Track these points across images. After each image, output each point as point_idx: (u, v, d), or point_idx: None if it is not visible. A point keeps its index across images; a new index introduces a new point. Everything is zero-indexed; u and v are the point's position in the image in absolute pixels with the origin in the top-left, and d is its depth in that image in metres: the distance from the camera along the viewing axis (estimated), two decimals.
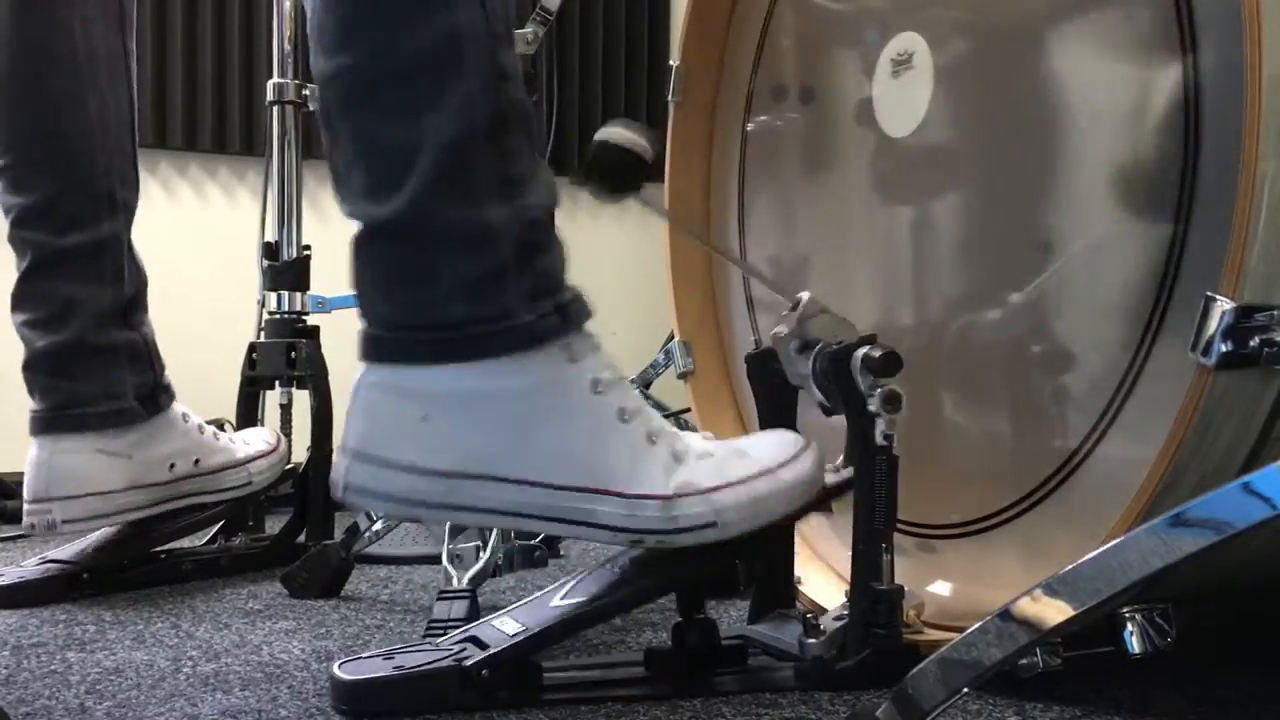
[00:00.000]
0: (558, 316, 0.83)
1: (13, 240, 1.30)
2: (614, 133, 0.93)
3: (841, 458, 0.92)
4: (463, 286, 0.81)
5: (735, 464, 0.87)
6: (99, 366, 1.30)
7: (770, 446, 0.89)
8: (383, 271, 0.83)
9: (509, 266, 0.81)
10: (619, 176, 0.93)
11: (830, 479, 0.91)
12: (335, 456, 0.85)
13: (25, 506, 1.27)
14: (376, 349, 0.83)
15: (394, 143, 0.81)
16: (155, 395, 1.35)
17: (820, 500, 0.90)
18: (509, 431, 0.81)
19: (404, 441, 0.82)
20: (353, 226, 0.84)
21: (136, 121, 1.36)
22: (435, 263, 0.81)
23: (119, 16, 1.32)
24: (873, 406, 0.88)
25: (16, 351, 1.32)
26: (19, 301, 1.30)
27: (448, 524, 1.13)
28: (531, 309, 0.82)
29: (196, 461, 1.39)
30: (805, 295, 0.93)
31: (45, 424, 1.29)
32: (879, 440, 0.88)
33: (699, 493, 0.84)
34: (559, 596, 0.89)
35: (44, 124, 1.29)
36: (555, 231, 0.85)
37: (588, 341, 0.85)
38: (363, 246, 0.84)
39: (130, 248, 1.35)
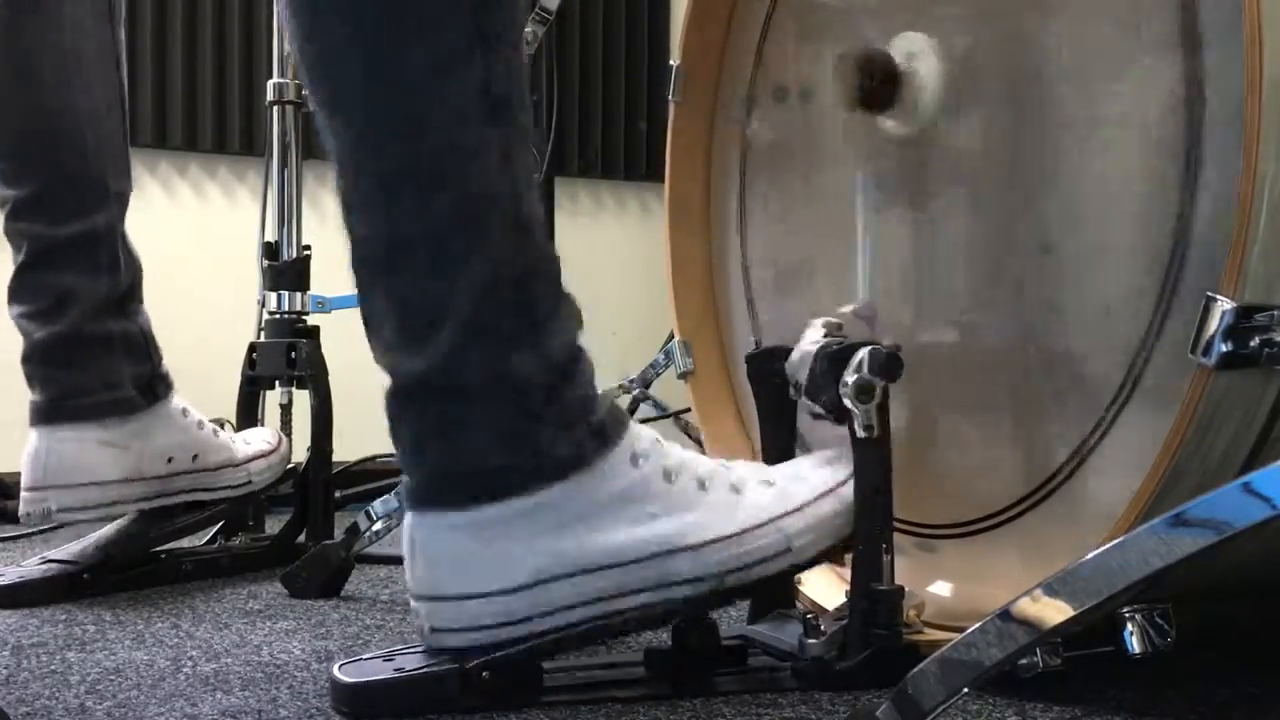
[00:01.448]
0: (594, 440, 0.84)
1: (8, 233, 1.30)
2: None
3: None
4: (497, 435, 0.82)
5: (797, 488, 0.89)
6: (97, 356, 1.30)
7: (825, 466, 0.91)
8: (416, 423, 0.84)
9: (539, 409, 0.83)
10: None
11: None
12: (412, 604, 0.85)
13: (22, 495, 1.28)
14: (421, 496, 0.84)
15: (423, 303, 0.82)
16: (153, 384, 1.36)
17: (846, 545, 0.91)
18: (569, 531, 0.83)
19: (471, 572, 0.82)
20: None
21: (127, 111, 1.36)
22: (466, 415, 0.82)
23: (107, 5, 1.32)
24: (846, 399, 0.88)
25: (13, 350, 1.32)
26: (16, 294, 1.31)
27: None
28: (567, 441, 0.83)
29: (195, 457, 1.39)
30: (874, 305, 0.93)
31: (44, 414, 1.29)
32: (859, 433, 0.88)
33: (767, 522, 0.86)
34: None
35: (35, 116, 1.29)
36: (582, 352, 0.86)
37: (623, 430, 0.86)
38: (396, 399, 0.85)
39: (124, 237, 1.35)
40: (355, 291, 0.85)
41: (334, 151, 0.83)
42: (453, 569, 0.83)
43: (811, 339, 0.92)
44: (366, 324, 0.85)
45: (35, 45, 1.28)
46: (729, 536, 0.85)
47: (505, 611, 0.82)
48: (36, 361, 1.30)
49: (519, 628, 0.83)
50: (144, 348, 1.36)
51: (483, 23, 0.80)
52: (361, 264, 0.84)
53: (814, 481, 0.90)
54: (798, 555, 0.87)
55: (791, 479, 0.90)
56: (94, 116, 1.30)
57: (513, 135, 0.82)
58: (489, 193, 0.81)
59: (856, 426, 0.88)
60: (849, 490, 0.89)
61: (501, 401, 0.82)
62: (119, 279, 1.33)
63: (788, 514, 0.87)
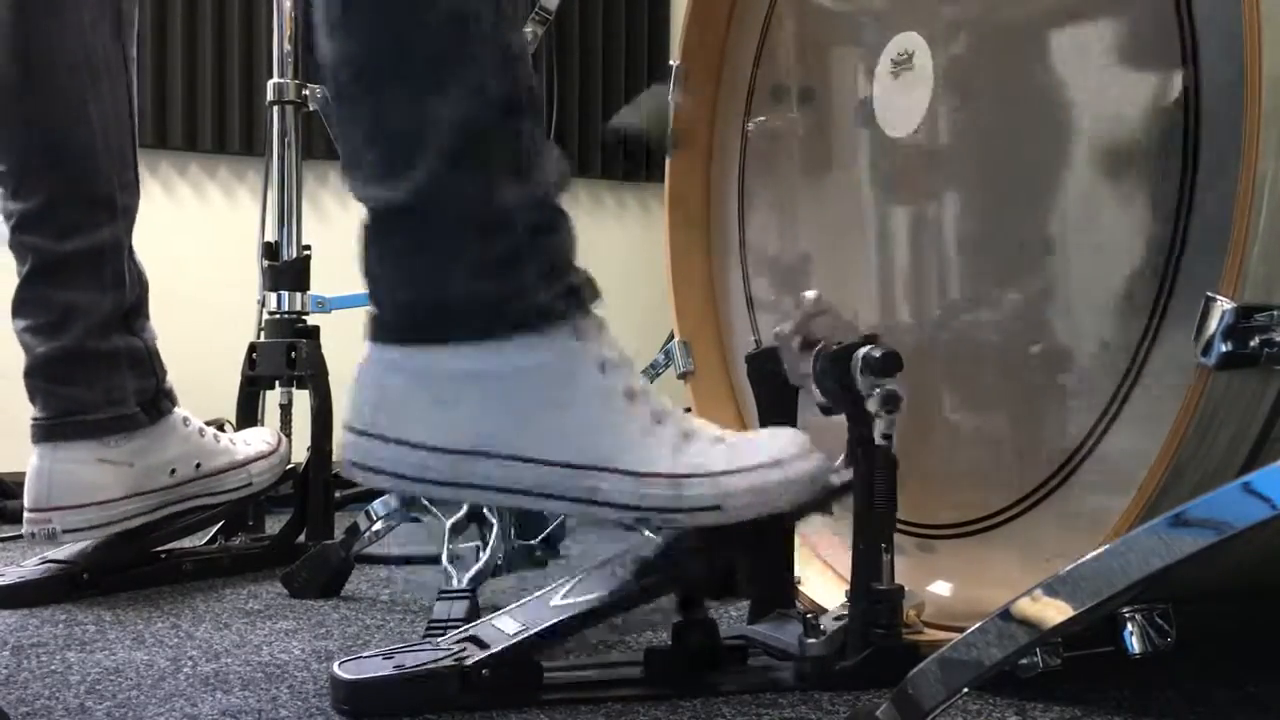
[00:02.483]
0: (569, 297, 0.83)
1: (13, 246, 1.30)
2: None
3: (843, 458, 0.92)
4: (475, 265, 0.82)
5: (746, 451, 0.87)
6: (100, 372, 1.30)
7: (780, 440, 0.90)
8: (393, 252, 0.83)
9: (521, 246, 0.82)
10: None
11: (833, 480, 0.91)
12: (341, 434, 0.85)
13: (25, 515, 1.27)
14: (385, 329, 0.84)
15: (405, 125, 0.81)
16: (157, 401, 1.35)
17: (822, 501, 0.90)
18: (518, 411, 0.82)
19: (414, 420, 0.82)
20: (355, 222, 0.84)
21: (136, 126, 1.36)
22: (447, 243, 0.82)
23: (118, 21, 1.31)
24: (871, 407, 0.88)
25: (16, 352, 1.32)
26: (19, 308, 1.30)
27: (451, 516, 1.13)
28: (545, 288, 0.82)
29: (198, 465, 1.39)
30: (811, 294, 0.93)
31: (46, 432, 1.28)
32: (878, 440, 0.88)
33: (707, 474, 0.84)
34: (559, 596, 0.89)
35: (44, 129, 1.28)
36: (565, 212, 0.85)
37: (594, 322, 0.85)
38: (374, 229, 0.84)
39: (131, 253, 1.35)
40: (334, 123, 0.84)
41: None
42: (392, 410, 0.82)
43: (793, 352, 0.92)
44: (346, 161, 0.84)
45: (45, 59, 1.27)
46: (668, 475, 0.83)
47: (424, 467, 0.82)
48: (39, 377, 1.29)
49: (430, 488, 0.82)
50: (149, 364, 1.35)
51: None
52: (343, 88, 0.82)
53: (766, 449, 0.88)
54: (728, 515, 0.84)
55: (744, 442, 0.88)
56: (103, 131, 1.30)
57: None
58: (472, 12, 0.80)
59: (877, 435, 0.88)
60: (796, 468, 0.87)
61: (483, 233, 0.81)
62: (124, 295, 1.32)
63: (729, 472, 0.85)
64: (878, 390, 0.87)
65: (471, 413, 0.82)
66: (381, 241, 0.84)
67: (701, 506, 0.84)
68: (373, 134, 0.82)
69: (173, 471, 1.36)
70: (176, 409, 1.38)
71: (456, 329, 0.81)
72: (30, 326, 1.30)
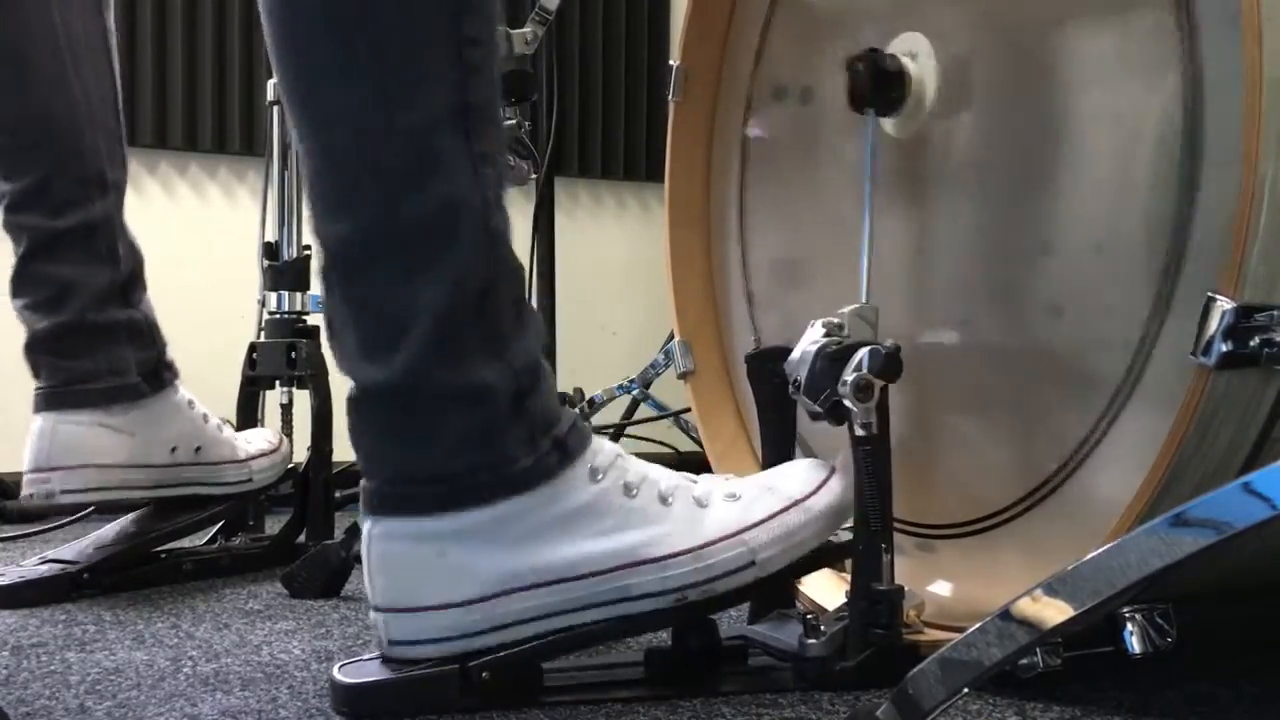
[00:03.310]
0: (557, 453, 0.84)
1: (7, 226, 1.31)
2: None
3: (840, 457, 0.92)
4: (459, 442, 0.82)
5: (764, 501, 0.88)
6: (101, 344, 1.30)
7: (796, 477, 0.91)
8: (379, 430, 0.84)
9: (504, 417, 0.83)
10: None
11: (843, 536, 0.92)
12: (370, 615, 0.85)
13: (25, 476, 1.28)
14: (380, 503, 0.84)
15: (389, 308, 0.82)
16: (159, 371, 1.36)
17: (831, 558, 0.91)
18: (525, 546, 0.83)
19: (429, 583, 0.82)
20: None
21: (120, 100, 1.36)
22: (430, 422, 0.83)
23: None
24: (845, 398, 0.88)
25: (16, 352, 1.32)
26: (18, 286, 1.31)
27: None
28: (530, 451, 0.83)
29: (199, 449, 1.39)
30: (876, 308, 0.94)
31: (48, 400, 1.29)
32: (857, 431, 0.88)
33: (730, 536, 0.85)
34: None
35: (30, 108, 1.29)
36: (543, 366, 0.86)
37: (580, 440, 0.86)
38: (358, 405, 0.84)
39: (123, 226, 1.35)
40: (322, 297, 0.85)
41: (304, 154, 0.83)
42: (410, 580, 0.83)
43: (811, 339, 0.92)
44: (329, 330, 0.85)
45: (28, 37, 1.28)
46: (691, 550, 0.85)
47: (461, 624, 0.82)
48: (40, 350, 1.30)
49: (474, 640, 0.82)
50: (149, 335, 1.36)
51: (459, 30, 0.80)
52: (327, 268, 0.84)
53: (782, 493, 0.89)
54: (763, 569, 0.87)
55: (760, 491, 0.89)
56: (89, 107, 1.30)
57: (484, 145, 0.82)
58: (458, 200, 0.81)
59: (855, 425, 0.88)
60: (819, 502, 0.89)
61: (466, 410, 0.82)
62: (119, 268, 1.33)
63: (752, 526, 0.86)
64: (849, 378, 0.87)
65: (485, 562, 0.82)
66: (366, 418, 0.84)
67: (734, 569, 0.85)
68: (356, 315, 0.83)
69: (173, 450, 1.36)
70: (181, 388, 1.38)
71: (445, 500, 0.82)
72: (30, 304, 1.30)
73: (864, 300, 0.97)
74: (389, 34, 0.79)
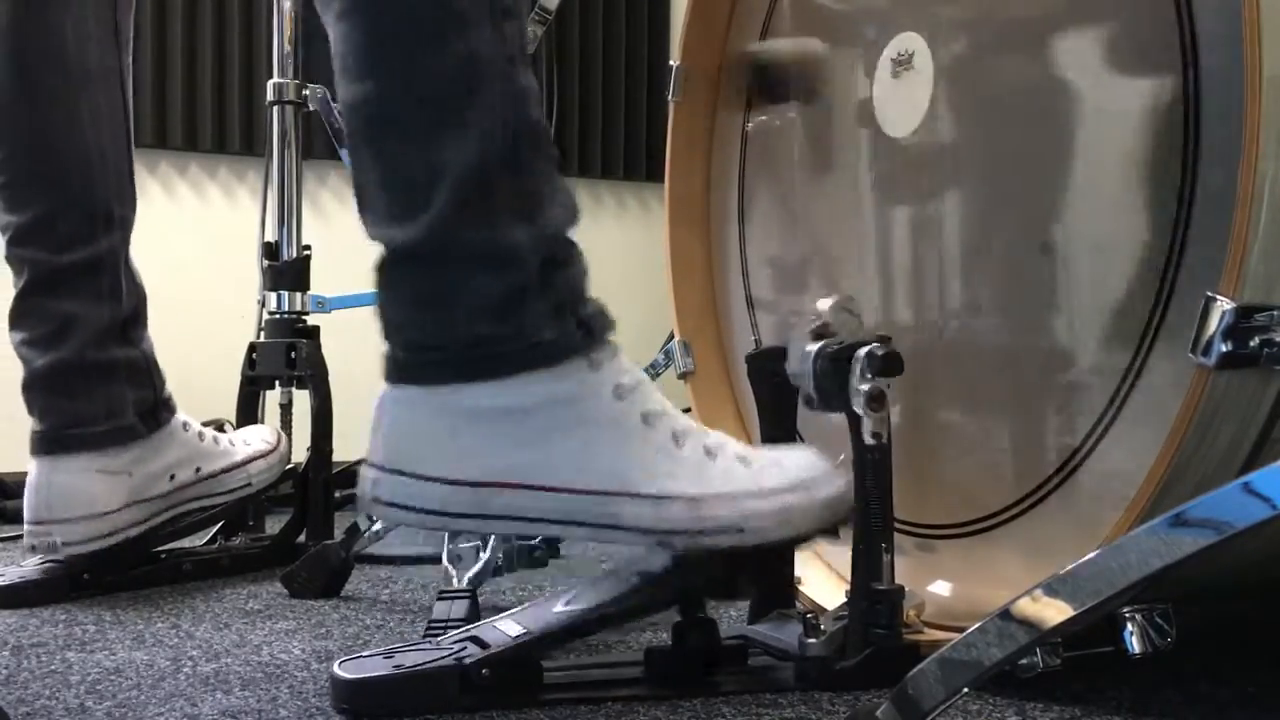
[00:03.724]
0: (581, 331, 0.84)
1: (9, 259, 1.29)
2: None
3: (841, 455, 0.92)
4: (486, 306, 0.82)
5: (771, 474, 0.87)
6: (99, 384, 1.29)
7: (804, 462, 0.90)
8: (406, 293, 0.84)
9: (531, 284, 0.82)
10: None
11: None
12: (362, 471, 0.85)
13: (26, 528, 1.27)
14: (401, 370, 0.84)
15: (416, 167, 0.82)
16: (156, 411, 1.35)
17: (832, 527, 0.91)
18: (535, 442, 0.82)
19: (432, 455, 0.82)
20: (355, 222, 0.85)
21: (132, 137, 1.35)
22: (458, 283, 0.82)
23: (114, 32, 1.31)
24: (858, 407, 0.88)
25: (14, 353, 1.32)
26: (17, 320, 1.30)
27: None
28: (555, 325, 0.83)
29: (198, 469, 1.39)
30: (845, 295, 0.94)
31: (45, 444, 1.28)
32: (867, 439, 0.88)
33: (730, 495, 0.84)
34: (562, 603, 0.89)
35: (39, 141, 1.28)
36: (576, 246, 0.85)
37: (609, 349, 0.85)
38: (386, 270, 0.84)
39: (128, 263, 1.34)
40: (349, 162, 0.84)
41: (331, 23, 0.83)
42: (411, 446, 0.83)
43: (804, 346, 0.92)
44: (360, 199, 0.85)
45: (40, 70, 1.27)
46: (689, 498, 0.83)
47: (449, 501, 0.82)
48: (39, 390, 1.29)
49: (454, 520, 0.83)
50: (147, 374, 1.35)
51: None
52: (356, 131, 0.84)
53: (790, 472, 0.88)
54: (750, 536, 0.84)
55: (769, 463, 0.88)
56: (100, 142, 1.30)
57: (503, 2, 0.82)
58: (480, 56, 0.81)
59: (865, 434, 0.88)
60: (821, 491, 0.88)
61: (494, 271, 0.82)
62: (121, 306, 1.32)
63: (752, 494, 0.85)
64: (863, 389, 0.87)
65: (489, 446, 0.82)
66: (394, 282, 0.84)
67: (723, 528, 0.84)
68: (385, 176, 0.83)
69: (172, 477, 1.36)
70: (175, 417, 1.38)
71: (468, 369, 0.82)
72: (28, 339, 1.29)
73: (840, 291, 0.96)
74: None
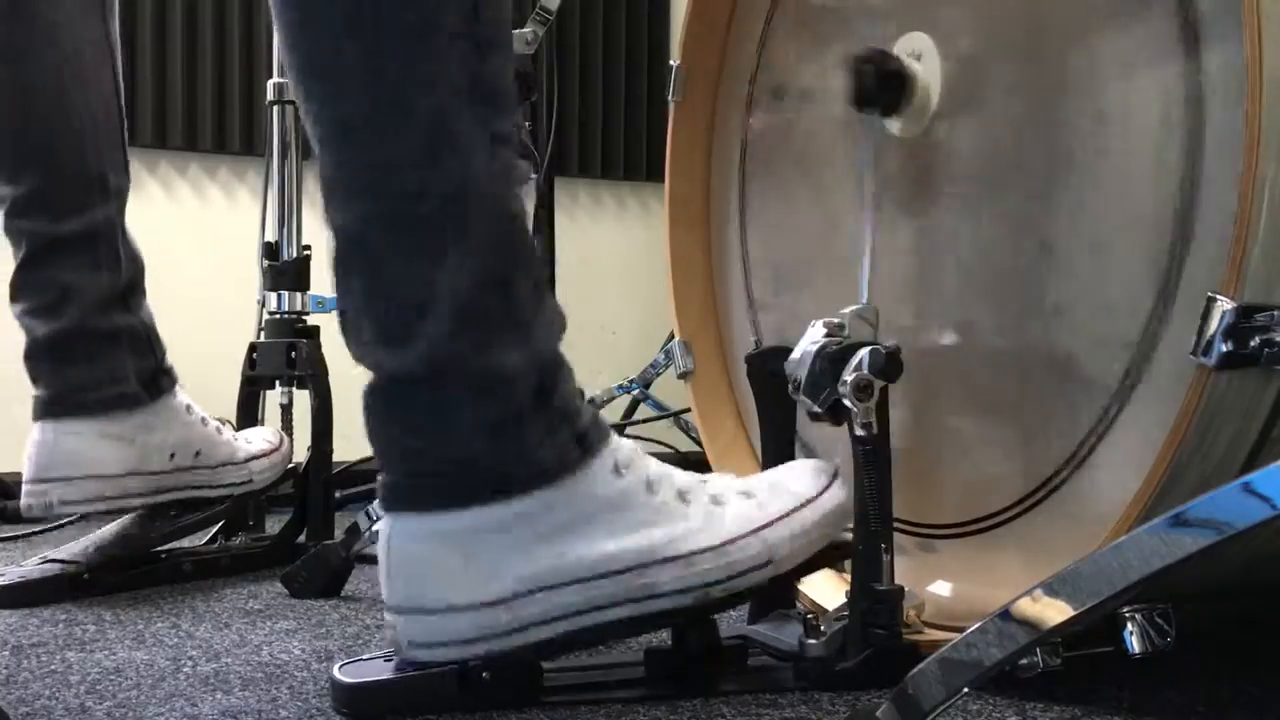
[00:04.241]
0: (578, 447, 0.83)
1: (8, 231, 1.30)
2: None
3: (840, 456, 0.92)
4: (481, 431, 0.82)
5: (776, 499, 0.88)
6: (101, 351, 1.30)
7: (803, 476, 0.91)
8: (397, 420, 0.84)
9: (526, 408, 0.82)
10: None
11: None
12: (386, 617, 0.84)
13: (24, 487, 1.27)
14: (398, 497, 0.84)
15: (407, 293, 0.81)
16: (157, 379, 1.36)
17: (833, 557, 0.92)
18: (550, 544, 0.82)
19: (451, 584, 0.82)
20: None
21: (123, 106, 1.36)
22: (452, 410, 0.82)
23: (101, 4, 1.32)
24: (845, 398, 0.88)
25: (15, 352, 1.32)
26: (18, 291, 1.30)
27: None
28: (551, 444, 0.82)
29: (198, 453, 1.39)
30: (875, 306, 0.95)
31: (48, 408, 1.29)
32: (858, 431, 0.88)
33: (748, 534, 0.86)
34: None
35: (31, 112, 1.28)
36: (565, 362, 0.86)
37: (603, 434, 0.86)
38: (377, 395, 0.84)
39: (125, 232, 1.35)
40: (335, 287, 0.84)
41: (317, 140, 0.82)
42: (430, 580, 0.82)
43: (811, 339, 0.92)
44: (344, 324, 0.84)
45: (30, 41, 1.27)
46: (713, 548, 0.85)
47: (484, 625, 0.81)
48: (41, 357, 1.30)
49: (498, 641, 0.82)
50: (147, 342, 1.36)
51: (475, 17, 0.80)
52: (344, 256, 0.83)
53: (794, 492, 0.89)
54: (780, 566, 0.87)
55: (770, 490, 0.89)
56: (91, 111, 1.30)
57: (499, 128, 0.81)
58: (475, 183, 0.80)
59: (855, 425, 0.88)
60: (828, 500, 0.89)
61: (488, 398, 0.81)
62: (120, 274, 1.33)
63: (769, 524, 0.87)
64: (849, 379, 0.87)
65: (507, 561, 0.81)
66: (384, 408, 0.84)
67: (753, 566, 0.86)
68: (373, 300, 0.82)
69: (172, 456, 1.36)
70: (180, 393, 1.38)
71: (466, 493, 0.82)
72: (30, 309, 1.30)
73: (864, 301, 0.97)
74: (403, 17, 0.79)
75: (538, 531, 0.82)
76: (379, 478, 0.85)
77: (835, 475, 0.91)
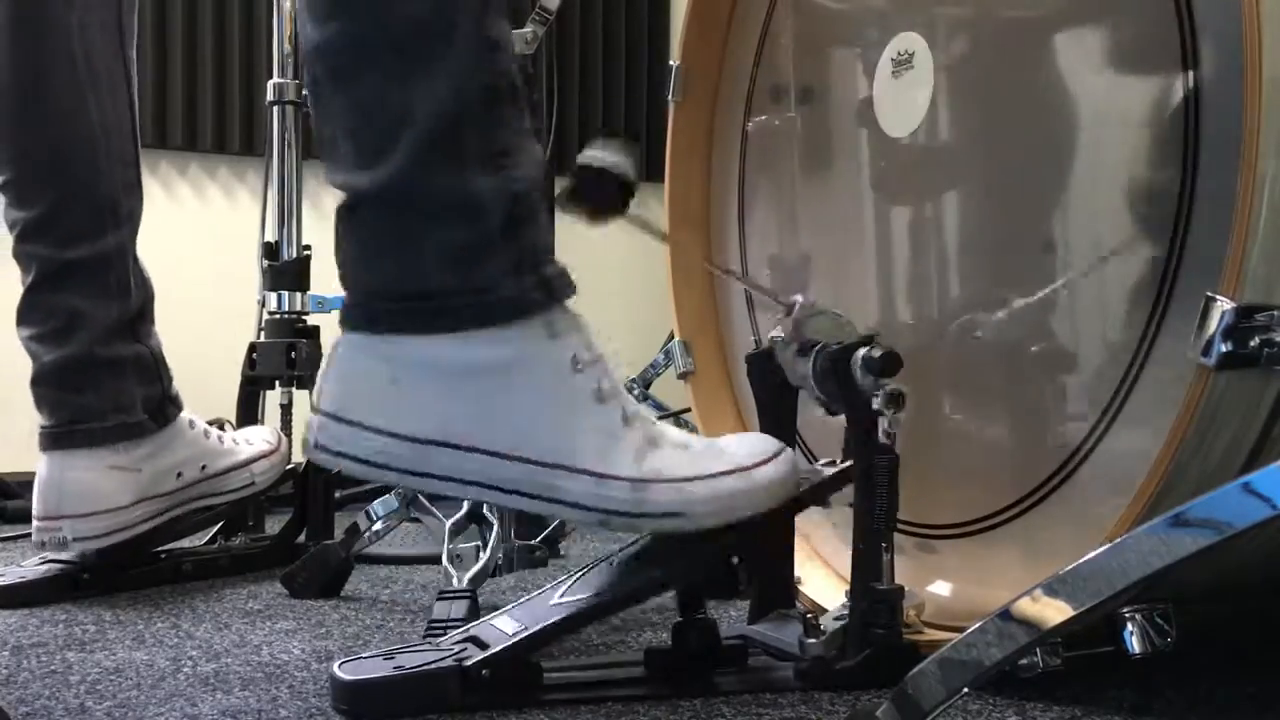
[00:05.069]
0: (541, 290, 0.83)
1: (17, 255, 1.30)
2: (594, 156, 0.94)
3: (839, 456, 0.92)
4: (446, 256, 0.81)
5: (710, 459, 0.87)
6: (107, 380, 1.30)
7: (747, 446, 0.90)
8: (366, 240, 0.84)
9: (494, 237, 0.81)
10: (602, 199, 0.94)
11: (827, 471, 0.92)
12: (308, 418, 0.85)
13: (35, 523, 1.27)
14: (354, 316, 0.84)
15: (383, 111, 0.81)
16: (164, 407, 1.35)
17: (817, 495, 0.90)
18: (483, 403, 0.81)
19: (376, 405, 0.82)
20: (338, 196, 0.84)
21: (138, 131, 1.35)
22: (419, 231, 0.81)
23: (117, 26, 1.31)
24: (876, 405, 0.88)
25: (18, 354, 1.31)
26: (25, 316, 1.30)
27: (451, 516, 1.12)
28: (515, 282, 0.82)
29: (203, 467, 1.39)
30: (798, 299, 0.94)
31: (54, 440, 1.28)
32: (881, 439, 0.88)
33: (670, 481, 0.84)
34: (558, 595, 0.89)
35: (45, 137, 1.28)
36: (542, 204, 0.85)
37: (570, 319, 0.85)
38: (347, 215, 0.84)
39: (135, 259, 1.35)
40: (312, 110, 0.83)
41: None
42: (359, 395, 0.82)
43: (793, 357, 0.93)
44: (321, 144, 0.84)
45: (46, 66, 1.27)
46: (630, 479, 0.83)
47: (389, 454, 0.82)
48: (47, 385, 1.29)
49: (395, 475, 0.82)
50: (155, 370, 1.35)
51: None
52: (320, 75, 0.83)
53: (730, 457, 0.87)
54: (689, 521, 0.84)
55: (707, 449, 0.88)
56: (105, 137, 1.30)
57: None
58: (452, 5, 0.80)
59: (880, 433, 0.88)
60: (762, 474, 0.87)
61: (456, 222, 0.81)
62: (129, 302, 1.32)
63: (692, 479, 0.85)
64: (883, 389, 0.87)
65: (435, 403, 0.81)
66: (354, 229, 0.84)
67: (663, 513, 0.84)
68: (350, 120, 0.82)
69: (179, 475, 1.36)
70: (182, 414, 1.38)
71: (422, 321, 0.81)
72: (36, 334, 1.29)
73: (792, 297, 0.96)
74: None
75: (471, 386, 0.81)
76: (342, 300, 0.85)
77: (780, 452, 0.89)
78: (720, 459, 0.87)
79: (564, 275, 0.85)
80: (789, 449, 0.90)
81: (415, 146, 0.80)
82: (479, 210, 0.81)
